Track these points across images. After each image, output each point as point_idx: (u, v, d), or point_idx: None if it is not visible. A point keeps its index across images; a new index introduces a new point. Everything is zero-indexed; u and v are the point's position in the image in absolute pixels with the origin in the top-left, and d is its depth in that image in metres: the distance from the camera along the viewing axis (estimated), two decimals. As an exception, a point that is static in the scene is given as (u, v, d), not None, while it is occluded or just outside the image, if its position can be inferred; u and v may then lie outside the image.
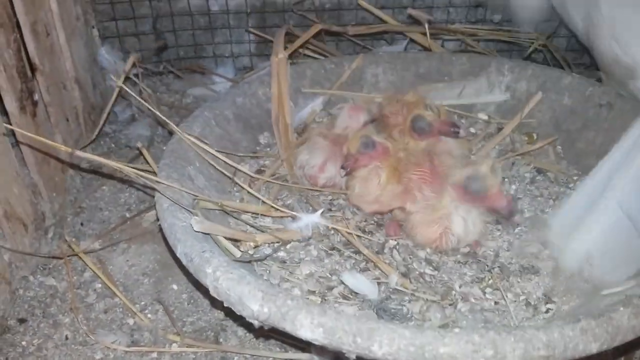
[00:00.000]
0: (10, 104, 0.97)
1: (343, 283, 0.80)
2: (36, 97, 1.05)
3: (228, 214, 0.89)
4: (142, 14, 1.46)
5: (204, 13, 1.48)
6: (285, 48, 1.13)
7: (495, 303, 0.80)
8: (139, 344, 0.90)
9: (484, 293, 0.81)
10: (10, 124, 0.97)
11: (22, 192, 0.99)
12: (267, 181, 1.00)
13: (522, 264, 0.86)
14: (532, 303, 0.80)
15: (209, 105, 1.06)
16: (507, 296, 0.80)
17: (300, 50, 1.46)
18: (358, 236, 0.89)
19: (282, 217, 0.90)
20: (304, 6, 1.49)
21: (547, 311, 0.79)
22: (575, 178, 1.04)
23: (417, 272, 0.85)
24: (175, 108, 1.43)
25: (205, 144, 0.94)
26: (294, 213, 0.89)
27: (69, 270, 1.02)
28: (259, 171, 1.04)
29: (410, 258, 0.87)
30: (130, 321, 0.95)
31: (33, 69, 1.05)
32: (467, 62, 1.19)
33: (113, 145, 1.32)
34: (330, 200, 1.00)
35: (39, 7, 1.07)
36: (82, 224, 1.12)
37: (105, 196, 1.19)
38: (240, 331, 0.93)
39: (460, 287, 0.82)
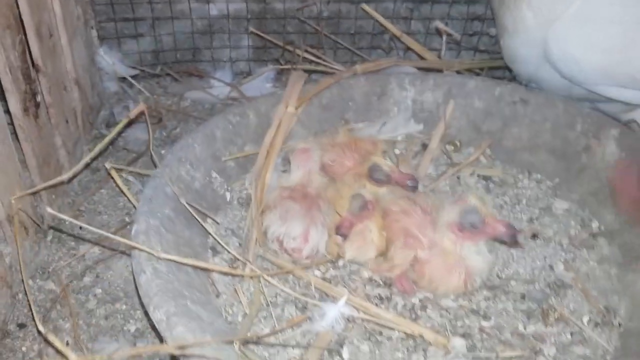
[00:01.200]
0: (15, 106, 0.96)
1: None
2: (39, 98, 1.04)
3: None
4: (141, 16, 1.45)
5: (203, 17, 1.48)
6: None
7: (572, 334, 0.78)
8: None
9: (549, 325, 0.79)
10: (13, 125, 0.97)
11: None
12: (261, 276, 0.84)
13: (548, 282, 0.87)
14: (600, 321, 0.80)
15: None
16: (583, 322, 0.79)
17: (299, 54, 1.48)
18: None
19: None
20: (304, 13, 1.49)
21: (619, 325, 0.80)
22: (520, 177, 1.08)
23: (476, 329, 0.80)
24: (172, 112, 1.42)
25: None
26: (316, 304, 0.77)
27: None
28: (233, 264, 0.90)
29: (448, 313, 0.83)
30: (132, 327, 0.94)
31: (36, 70, 1.04)
32: (366, 83, 1.17)
33: (110, 148, 1.31)
34: (323, 273, 0.91)
35: (43, 9, 1.06)
36: (80, 228, 1.11)
37: (103, 199, 1.18)
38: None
39: (525, 328, 0.79)
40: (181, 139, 0.98)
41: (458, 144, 1.13)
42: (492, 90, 1.12)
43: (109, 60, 1.42)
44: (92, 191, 1.19)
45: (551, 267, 0.90)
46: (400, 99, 1.15)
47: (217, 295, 0.83)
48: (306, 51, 1.49)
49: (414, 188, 0.91)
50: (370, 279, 0.89)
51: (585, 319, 0.80)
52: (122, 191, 1.08)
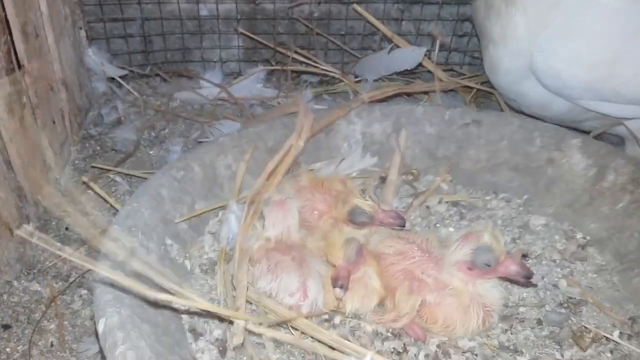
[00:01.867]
0: (-1, 107, 0.95)
1: None
2: (24, 99, 1.03)
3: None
4: (130, 16, 1.45)
5: (193, 17, 1.48)
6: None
7: (611, 352, 0.74)
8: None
9: (587, 348, 0.75)
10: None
11: (8, 195, 0.98)
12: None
13: (559, 302, 0.84)
14: (631, 332, 0.77)
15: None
16: (615, 337, 0.75)
17: (289, 54, 1.48)
18: None
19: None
20: (294, 13, 1.49)
21: None
22: (487, 198, 1.06)
23: None
24: (161, 112, 1.42)
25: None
26: None
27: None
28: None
29: (475, 355, 0.77)
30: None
31: (22, 70, 1.04)
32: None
33: (99, 148, 1.31)
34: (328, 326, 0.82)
35: (29, 8, 1.06)
36: (66, 228, 1.10)
37: (90, 200, 1.17)
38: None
39: (563, 355, 0.75)
40: (124, 205, 0.86)
41: (416, 172, 1.10)
42: (442, 115, 1.09)
43: (97, 60, 1.41)
44: (80, 192, 1.18)
45: (555, 286, 0.87)
46: (349, 133, 1.11)
47: None
48: (296, 52, 1.49)
49: (402, 226, 0.85)
50: (376, 333, 0.81)
51: (616, 334, 0.76)
52: (103, 198, 1.08)
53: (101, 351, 0.70)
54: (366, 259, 0.81)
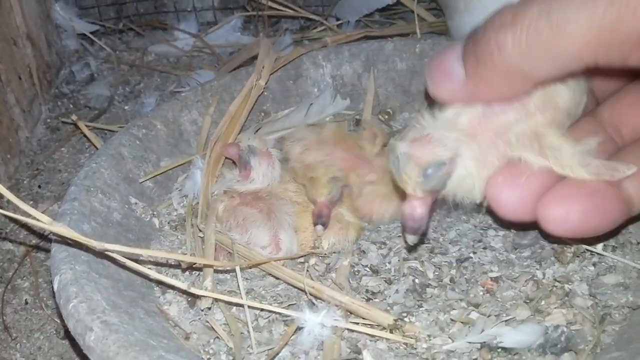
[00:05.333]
0: (-47, 59, 0.91)
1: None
2: (-18, 52, 0.99)
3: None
4: (97, -32, 1.39)
5: (163, -35, 1.42)
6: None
7: (594, 265, 0.69)
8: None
9: (569, 263, 0.70)
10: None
11: (-29, 153, 0.94)
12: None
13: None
14: (615, 244, 0.71)
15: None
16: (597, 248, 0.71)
17: (265, 3, 1.42)
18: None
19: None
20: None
21: (638, 242, 0.72)
22: None
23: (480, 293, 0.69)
24: (136, 67, 1.37)
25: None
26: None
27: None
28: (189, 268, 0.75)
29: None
30: (93, 283, 0.91)
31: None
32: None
33: (71, 106, 1.26)
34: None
35: (-20, -44, 1.01)
36: (39, 187, 1.07)
37: (64, 157, 1.14)
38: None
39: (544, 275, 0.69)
40: (83, 165, 0.83)
41: (390, 111, 1.04)
42: (413, 49, 1.03)
43: (65, 16, 1.36)
44: (52, 150, 1.15)
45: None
46: (318, 78, 1.04)
47: (187, 338, 0.68)
48: (271, 0, 1.43)
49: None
50: (353, 268, 0.76)
51: (600, 247, 0.70)
52: (92, 143, 1.04)
53: (57, 308, 0.67)
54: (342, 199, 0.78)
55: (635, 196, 0.54)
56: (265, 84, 0.97)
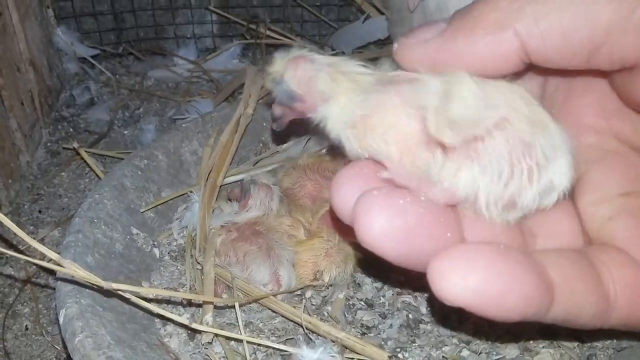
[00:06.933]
0: (-40, 88, 0.93)
1: None
2: (-12, 80, 1.01)
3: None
4: (99, -6, 1.42)
5: (164, -8, 1.45)
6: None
7: None
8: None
9: None
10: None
11: (-25, 179, 0.96)
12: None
13: None
14: None
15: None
16: None
17: (262, 31, 1.45)
18: None
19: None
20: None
21: None
22: None
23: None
24: (135, 92, 1.39)
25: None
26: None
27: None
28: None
29: None
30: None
31: (-17, 51, 1.01)
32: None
33: (71, 130, 1.28)
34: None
35: (-12, -14, 1.03)
36: (40, 212, 1.09)
37: (64, 182, 1.16)
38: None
39: None
40: (86, 197, 0.84)
41: None
42: None
43: (67, 40, 1.38)
44: (52, 174, 1.16)
45: None
46: None
47: None
48: (269, 29, 1.47)
49: None
50: (348, 301, 0.78)
51: None
52: (92, 170, 1.06)
53: (63, 342, 0.69)
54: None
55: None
56: (253, 111, 0.99)
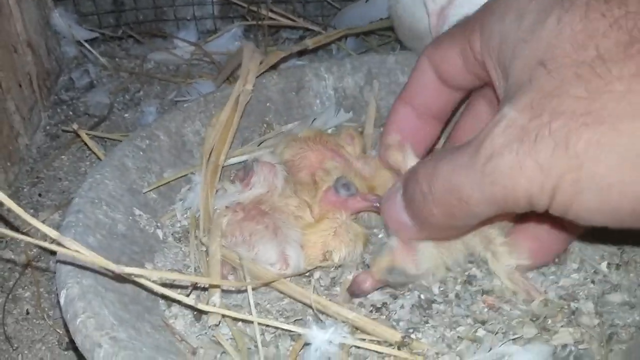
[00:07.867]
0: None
1: None
2: (-16, 60, 0.99)
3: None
4: (97, -25, 1.39)
5: (164, -27, 1.42)
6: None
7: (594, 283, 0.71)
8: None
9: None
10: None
11: (-27, 161, 0.94)
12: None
13: None
14: (619, 262, 0.72)
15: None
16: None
17: (264, 13, 1.42)
18: None
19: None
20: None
21: None
22: None
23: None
24: (135, 74, 1.37)
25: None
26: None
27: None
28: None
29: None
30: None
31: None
32: (280, 80, 1.03)
33: (71, 113, 1.26)
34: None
35: (-17, -36, 1.00)
36: (40, 195, 1.07)
37: (64, 165, 1.13)
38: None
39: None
40: (87, 176, 0.82)
41: None
42: (413, 62, 1.05)
43: (65, 22, 1.35)
44: (52, 158, 1.14)
45: None
46: (321, 90, 1.05)
47: (194, 353, 0.68)
48: (271, 10, 1.44)
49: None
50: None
51: (604, 264, 0.71)
52: (93, 152, 1.03)
53: (65, 325, 0.67)
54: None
55: None
56: (253, 87, 0.97)
